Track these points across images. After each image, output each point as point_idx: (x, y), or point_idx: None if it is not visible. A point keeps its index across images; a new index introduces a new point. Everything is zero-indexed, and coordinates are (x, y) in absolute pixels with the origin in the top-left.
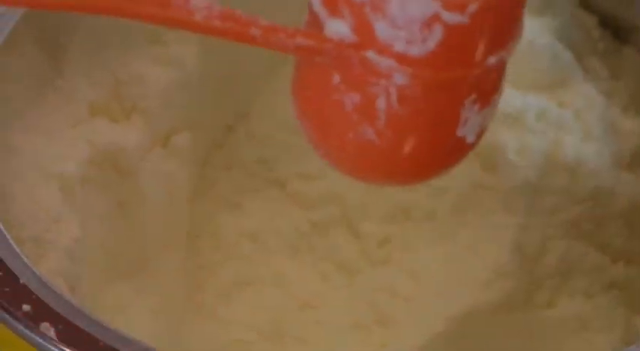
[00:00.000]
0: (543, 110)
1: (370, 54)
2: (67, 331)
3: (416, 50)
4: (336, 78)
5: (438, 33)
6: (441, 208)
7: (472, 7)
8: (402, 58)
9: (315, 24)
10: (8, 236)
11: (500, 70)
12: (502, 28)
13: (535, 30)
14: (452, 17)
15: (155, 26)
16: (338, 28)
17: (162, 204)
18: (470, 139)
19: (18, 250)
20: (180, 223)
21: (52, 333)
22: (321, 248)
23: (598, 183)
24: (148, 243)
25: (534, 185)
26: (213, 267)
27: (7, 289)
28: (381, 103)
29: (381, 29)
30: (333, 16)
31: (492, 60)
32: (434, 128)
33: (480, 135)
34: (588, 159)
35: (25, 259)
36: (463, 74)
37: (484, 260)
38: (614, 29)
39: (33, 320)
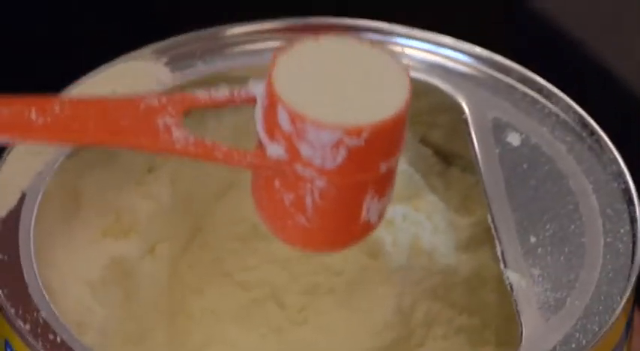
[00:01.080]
0: (406, 214)
1: (298, 167)
2: None
3: (329, 164)
4: (277, 183)
5: (343, 152)
6: (339, 284)
7: (365, 134)
8: (320, 170)
9: (261, 146)
10: (62, 320)
11: (390, 172)
12: (389, 145)
13: None
14: (351, 141)
15: (141, 173)
16: (275, 150)
17: (152, 293)
18: (373, 220)
19: (68, 327)
20: (163, 305)
21: None
22: (259, 317)
23: (446, 261)
24: (145, 319)
25: (405, 265)
26: (187, 334)
27: None
28: (308, 200)
29: (304, 150)
30: (272, 141)
31: (384, 167)
32: (346, 215)
33: (380, 216)
34: (439, 246)
35: (73, 333)
36: (363, 178)
37: (374, 318)
38: (444, 156)
39: None
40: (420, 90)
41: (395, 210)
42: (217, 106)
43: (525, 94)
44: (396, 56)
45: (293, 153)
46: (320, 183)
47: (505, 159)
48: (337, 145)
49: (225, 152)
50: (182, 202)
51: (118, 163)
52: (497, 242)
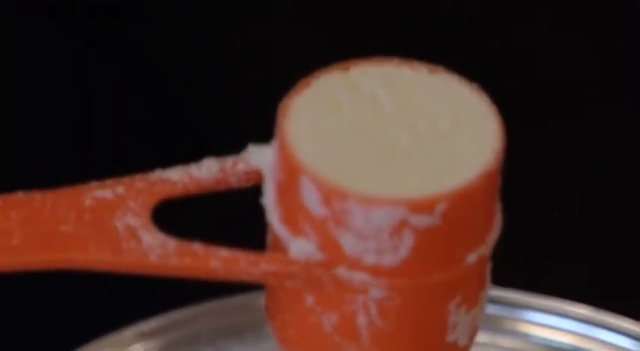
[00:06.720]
0: None
1: (341, 271)
2: None
3: (388, 260)
4: (310, 299)
5: (409, 239)
6: None
7: (441, 207)
8: (375, 271)
9: (277, 246)
10: None
11: (482, 265)
12: (478, 223)
13: None
14: (421, 221)
15: None
16: (303, 247)
17: None
18: (462, 342)
19: None
20: None
21: None
22: None
23: None
24: None
25: None
26: None
27: None
28: (361, 320)
29: (349, 243)
30: (296, 235)
31: (472, 258)
32: (422, 338)
33: (472, 337)
34: None
35: None
36: (443, 278)
37: None
38: None
39: None
40: None
41: None
42: (204, 192)
43: None
44: (471, 85)
45: (331, 249)
46: (377, 292)
47: None
48: (399, 228)
49: (227, 258)
50: None
51: None
52: None
